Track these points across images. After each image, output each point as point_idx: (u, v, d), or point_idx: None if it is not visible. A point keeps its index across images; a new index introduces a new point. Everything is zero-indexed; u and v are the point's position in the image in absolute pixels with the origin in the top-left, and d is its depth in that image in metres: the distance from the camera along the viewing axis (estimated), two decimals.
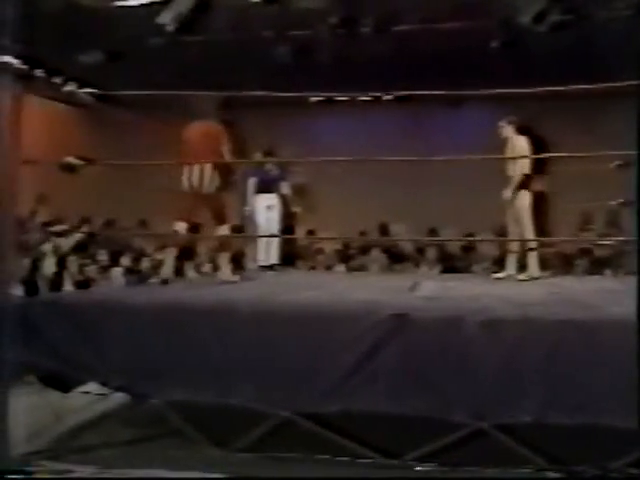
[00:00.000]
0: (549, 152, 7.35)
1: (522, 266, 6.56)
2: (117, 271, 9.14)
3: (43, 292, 7.84)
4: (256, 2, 7.25)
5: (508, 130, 6.58)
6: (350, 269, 10.35)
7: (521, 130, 6.56)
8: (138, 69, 8.91)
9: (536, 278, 6.39)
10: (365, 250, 10.87)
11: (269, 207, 8.29)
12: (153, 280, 6.63)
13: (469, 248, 10.82)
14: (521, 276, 6.45)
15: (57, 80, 10.13)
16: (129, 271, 9.21)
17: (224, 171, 5.87)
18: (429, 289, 5.55)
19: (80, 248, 9.43)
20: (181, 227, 5.76)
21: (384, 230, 11.48)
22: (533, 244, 6.50)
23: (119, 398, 4.80)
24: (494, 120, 6.68)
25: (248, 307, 4.19)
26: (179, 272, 6.34)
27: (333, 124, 12.10)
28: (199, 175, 5.69)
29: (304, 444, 3.94)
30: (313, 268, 10.29)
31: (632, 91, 3.82)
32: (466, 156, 9.85)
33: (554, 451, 3.81)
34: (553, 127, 10.00)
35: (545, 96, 8.36)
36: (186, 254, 8.28)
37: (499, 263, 8.12)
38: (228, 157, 5.90)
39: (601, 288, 5.72)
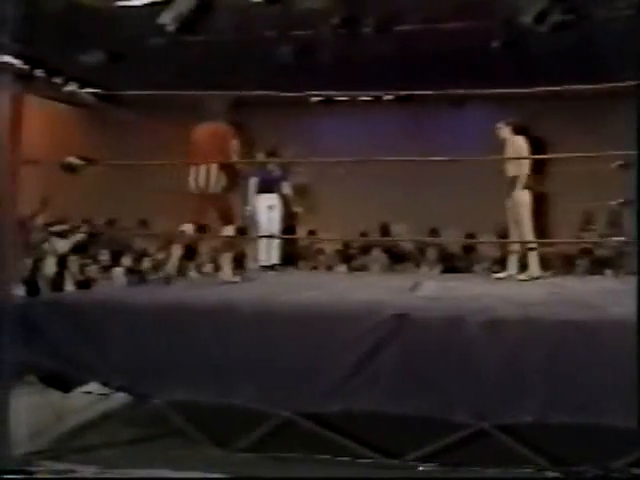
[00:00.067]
0: (548, 152, 7.36)
1: (523, 266, 6.56)
2: (118, 271, 9.15)
3: (44, 292, 7.84)
4: (257, 2, 7.25)
5: (505, 131, 6.59)
6: (351, 269, 10.35)
7: (518, 131, 6.56)
8: (139, 69, 8.91)
9: (536, 278, 6.39)
10: (366, 250, 10.87)
11: (270, 207, 8.29)
12: (155, 277, 6.63)
13: (470, 248, 10.82)
14: (521, 276, 6.45)
15: (58, 80, 10.13)
16: (130, 271, 9.21)
17: (230, 171, 5.88)
18: (430, 289, 5.55)
19: (81, 248, 9.44)
20: (188, 229, 5.78)
21: (385, 230, 11.48)
22: (533, 244, 6.51)
23: (120, 398, 4.80)
24: (495, 120, 6.69)
25: (249, 307, 4.19)
26: (180, 272, 6.34)
27: (334, 124, 12.10)
28: (205, 175, 5.70)
29: (305, 444, 3.94)
30: (314, 268, 10.29)
31: (633, 91, 3.82)
32: (467, 156, 9.85)
33: (555, 451, 3.81)
34: (555, 127, 10.04)
35: (546, 96, 8.38)
36: (189, 254, 8.28)
37: (500, 263, 8.13)
38: (236, 158, 5.92)
39: (602, 288, 5.72)
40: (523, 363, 3.72)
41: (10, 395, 3.75)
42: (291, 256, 9.18)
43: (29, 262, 8.29)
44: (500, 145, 6.55)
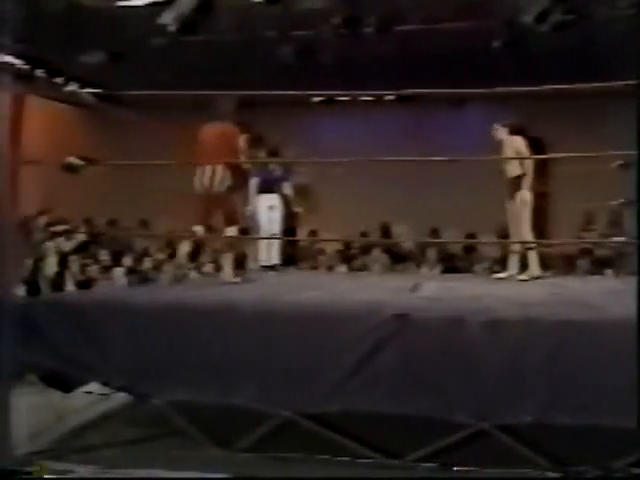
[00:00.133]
0: (548, 152, 7.36)
1: (523, 266, 6.56)
2: (119, 271, 9.15)
3: (45, 292, 7.85)
4: (258, 2, 7.25)
5: (502, 132, 6.59)
6: (351, 269, 10.35)
7: (515, 132, 6.56)
8: (140, 69, 8.91)
9: (536, 278, 6.39)
10: (367, 250, 10.87)
11: (271, 207, 8.28)
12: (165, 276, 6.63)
13: (470, 248, 10.82)
14: (522, 276, 6.45)
15: (59, 80, 10.13)
16: (131, 271, 9.22)
17: (237, 171, 5.90)
18: (430, 289, 5.55)
19: (82, 248, 9.45)
20: (199, 230, 5.80)
21: (386, 230, 11.47)
22: (531, 243, 6.51)
23: (121, 398, 4.81)
24: (496, 121, 6.68)
25: (250, 307, 4.20)
26: (188, 269, 6.36)
27: (335, 124, 12.10)
28: (210, 175, 5.71)
29: (306, 444, 3.94)
30: (315, 268, 10.29)
31: (633, 91, 3.82)
32: (468, 157, 9.85)
33: (555, 451, 3.81)
34: (555, 127, 10.03)
35: (547, 96, 8.37)
36: (195, 254, 8.31)
37: (500, 263, 8.13)
38: (243, 158, 5.94)
39: (602, 288, 5.71)
40: (523, 363, 3.72)
41: (10, 395, 3.75)
42: (292, 256, 9.18)
43: (30, 262, 8.30)
44: (497, 146, 6.56)
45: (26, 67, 9.16)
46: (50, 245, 8.90)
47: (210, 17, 6.94)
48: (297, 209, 8.86)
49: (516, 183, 6.43)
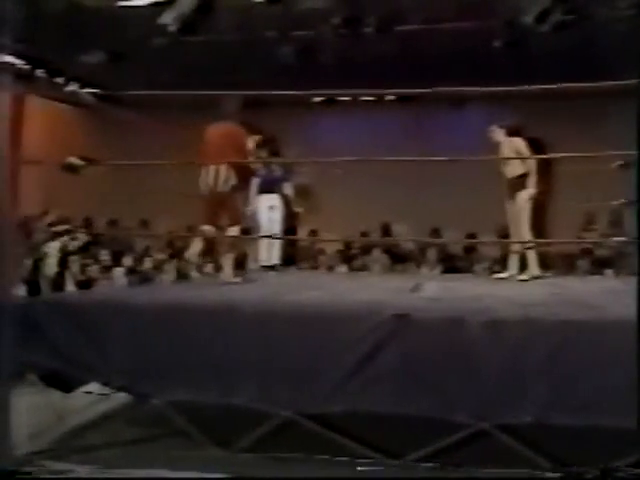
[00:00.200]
0: (548, 152, 7.36)
1: (523, 266, 6.56)
2: (119, 271, 9.16)
3: (45, 292, 7.85)
4: (259, 2, 7.25)
5: (499, 134, 6.59)
6: (352, 269, 10.35)
7: (512, 133, 6.56)
8: (140, 69, 8.91)
9: (536, 277, 6.40)
10: (367, 250, 10.87)
11: (271, 207, 8.28)
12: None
13: (470, 248, 10.83)
14: (521, 276, 6.45)
15: (59, 80, 10.13)
16: (131, 271, 9.22)
17: (242, 172, 5.91)
18: (431, 289, 5.55)
19: (84, 248, 9.46)
20: (208, 229, 5.83)
21: (386, 230, 11.48)
22: (530, 243, 6.51)
23: (121, 398, 4.81)
24: (496, 121, 6.68)
25: (250, 307, 4.19)
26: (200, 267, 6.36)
27: (335, 124, 12.10)
28: (214, 175, 5.72)
29: (306, 444, 3.94)
30: (315, 268, 10.29)
31: (633, 91, 3.82)
32: (468, 157, 9.85)
33: (555, 451, 3.81)
34: (555, 127, 10.02)
35: (548, 96, 8.38)
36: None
37: (500, 263, 8.14)
38: (250, 158, 5.95)
39: (603, 288, 5.72)
40: (524, 363, 3.72)
41: (10, 395, 3.75)
42: (292, 256, 9.18)
43: (29, 262, 8.30)
44: (494, 148, 6.57)
45: (26, 67, 9.16)
46: (54, 245, 8.90)
47: (210, 17, 6.94)
48: (297, 209, 8.86)
49: (517, 183, 6.43)
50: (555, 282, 6.27)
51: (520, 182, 6.42)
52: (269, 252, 8.11)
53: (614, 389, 3.55)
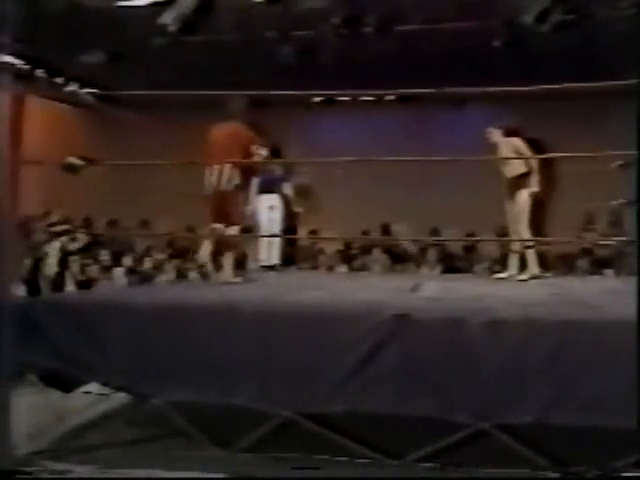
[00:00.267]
0: (545, 153, 7.36)
1: (523, 266, 6.56)
2: (119, 271, 9.16)
3: (45, 292, 7.85)
4: (259, 2, 7.25)
5: (496, 135, 6.59)
6: (352, 269, 10.35)
7: (509, 134, 6.57)
8: (140, 69, 8.91)
9: (535, 277, 6.40)
10: (367, 250, 10.87)
11: (271, 207, 8.29)
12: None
13: (470, 248, 10.82)
14: (521, 276, 6.46)
15: (59, 80, 10.13)
16: (131, 271, 9.23)
17: (246, 171, 5.93)
18: (431, 290, 5.56)
19: (86, 248, 9.46)
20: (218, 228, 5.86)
21: (386, 230, 11.47)
22: (529, 242, 6.51)
23: (121, 398, 4.80)
24: (496, 121, 6.69)
25: (250, 307, 4.19)
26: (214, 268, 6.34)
27: (335, 124, 12.09)
28: (218, 174, 5.73)
29: (306, 444, 3.93)
30: (315, 268, 10.29)
31: (633, 91, 3.82)
32: (468, 157, 9.84)
33: (555, 451, 3.81)
34: (556, 127, 10.01)
35: (548, 96, 8.37)
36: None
37: (500, 263, 8.14)
38: (257, 158, 5.96)
39: (603, 288, 5.72)
40: (524, 363, 3.72)
41: (10, 395, 3.75)
42: (292, 256, 9.18)
43: (29, 262, 8.30)
44: (494, 148, 6.57)
45: (26, 67, 9.16)
46: (54, 245, 8.90)
47: (210, 17, 6.94)
48: (297, 209, 8.86)
49: (517, 183, 6.43)
50: (555, 282, 6.27)
51: (520, 181, 6.42)
52: (269, 252, 8.12)
53: (614, 389, 3.55)
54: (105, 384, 4.42)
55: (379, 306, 4.10)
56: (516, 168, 6.43)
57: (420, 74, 7.69)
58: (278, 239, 8.23)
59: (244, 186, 6.00)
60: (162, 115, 10.18)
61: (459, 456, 3.82)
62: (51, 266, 8.57)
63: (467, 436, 3.79)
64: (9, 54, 4.05)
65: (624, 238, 8.92)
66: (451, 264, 10.28)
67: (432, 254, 10.36)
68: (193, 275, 8.82)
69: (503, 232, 7.24)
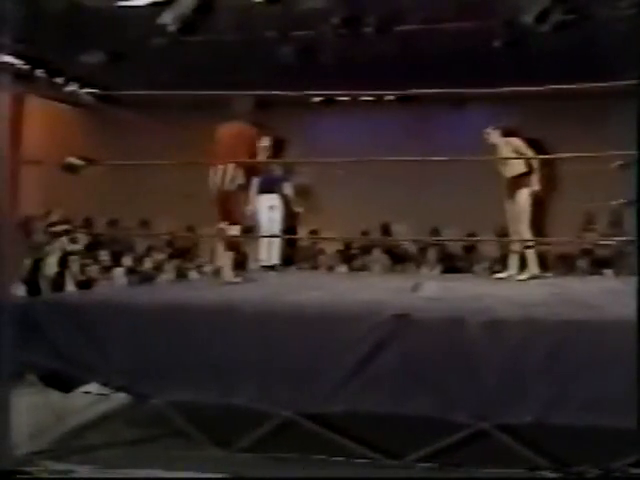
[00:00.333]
0: (545, 153, 7.37)
1: (523, 266, 6.56)
2: (119, 271, 9.16)
3: (45, 292, 7.85)
4: (258, 2, 7.25)
5: (495, 136, 6.59)
6: (352, 269, 10.35)
7: (508, 134, 6.57)
8: (140, 69, 8.91)
9: (535, 277, 6.40)
10: (367, 250, 10.87)
11: (271, 207, 8.29)
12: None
13: (470, 248, 10.82)
14: (521, 276, 6.46)
15: (59, 80, 10.13)
16: (131, 271, 9.23)
17: (250, 171, 5.93)
18: (431, 289, 5.56)
19: (88, 248, 9.47)
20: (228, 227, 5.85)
21: (386, 230, 11.47)
22: (529, 242, 6.52)
23: (121, 398, 4.81)
24: (496, 121, 6.69)
25: (250, 307, 4.19)
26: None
27: (335, 124, 12.09)
28: (221, 174, 5.73)
29: (306, 444, 3.93)
30: (315, 268, 10.29)
31: (633, 91, 3.82)
32: (468, 157, 9.84)
33: (555, 451, 3.81)
34: (556, 127, 10.01)
35: (548, 96, 8.36)
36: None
37: (500, 263, 8.14)
38: (262, 158, 5.96)
39: (602, 288, 5.72)
40: (524, 363, 3.72)
41: (10, 395, 3.75)
42: (292, 256, 9.18)
43: (29, 262, 8.30)
44: (493, 148, 6.57)
45: (26, 67, 9.16)
46: (55, 245, 8.91)
47: (210, 17, 6.94)
48: (297, 209, 8.86)
49: (517, 182, 6.43)
50: (555, 282, 6.27)
51: (520, 181, 6.42)
52: (269, 252, 8.12)
53: (614, 389, 3.55)
54: (105, 384, 4.42)
55: (379, 306, 4.11)
56: (516, 167, 6.43)
57: (420, 74, 7.68)
58: (278, 239, 8.23)
59: (247, 186, 6.00)
60: (162, 115, 10.18)
61: (459, 456, 3.82)
62: (51, 266, 8.57)
63: (467, 436, 3.79)
64: (9, 54, 4.04)
65: (624, 238, 8.92)
66: (451, 264, 10.28)
67: (432, 254, 10.36)
68: (193, 275, 8.83)
69: (503, 232, 7.24)
